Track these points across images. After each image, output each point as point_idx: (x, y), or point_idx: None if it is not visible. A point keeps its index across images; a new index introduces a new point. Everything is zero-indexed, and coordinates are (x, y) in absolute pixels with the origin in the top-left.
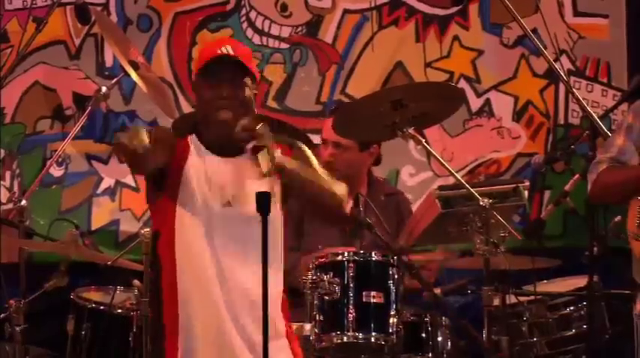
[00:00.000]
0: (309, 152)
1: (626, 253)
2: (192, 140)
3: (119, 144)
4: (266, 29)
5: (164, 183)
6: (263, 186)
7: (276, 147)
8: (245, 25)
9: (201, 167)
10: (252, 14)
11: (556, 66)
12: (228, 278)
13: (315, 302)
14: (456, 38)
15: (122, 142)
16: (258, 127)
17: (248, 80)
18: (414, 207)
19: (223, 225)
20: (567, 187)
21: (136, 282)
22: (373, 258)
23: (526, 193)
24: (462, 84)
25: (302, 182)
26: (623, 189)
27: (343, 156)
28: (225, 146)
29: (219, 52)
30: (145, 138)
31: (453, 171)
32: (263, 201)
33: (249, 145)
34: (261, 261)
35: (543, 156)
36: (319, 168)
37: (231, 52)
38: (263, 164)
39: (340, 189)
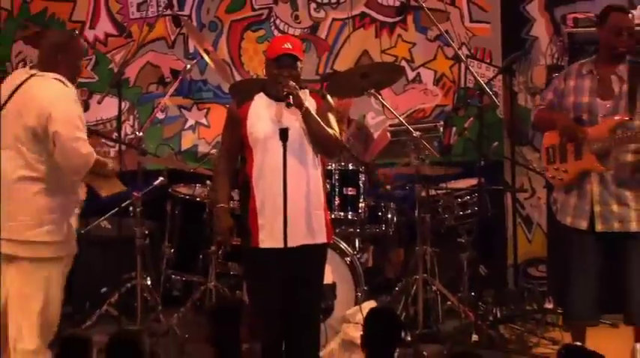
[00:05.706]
0: (331, 103)
1: (500, 164)
2: (260, 96)
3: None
4: (285, 30)
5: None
6: (295, 116)
7: (308, 96)
8: (272, 27)
9: (265, 102)
10: (278, 21)
11: (459, 52)
12: (288, 165)
13: None
14: (399, 36)
15: None
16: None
17: (299, 63)
18: (375, 136)
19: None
20: (466, 125)
21: (209, 182)
22: (350, 168)
23: (441, 129)
24: (403, 63)
25: (313, 122)
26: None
27: (347, 104)
28: (280, 97)
29: (284, 47)
30: None
31: (398, 116)
32: (284, 134)
33: (289, 96)
34: (304, 156)
35: (451, 107)
36: (333, 113)
37: (291, 48)
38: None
39: (335, 130)
